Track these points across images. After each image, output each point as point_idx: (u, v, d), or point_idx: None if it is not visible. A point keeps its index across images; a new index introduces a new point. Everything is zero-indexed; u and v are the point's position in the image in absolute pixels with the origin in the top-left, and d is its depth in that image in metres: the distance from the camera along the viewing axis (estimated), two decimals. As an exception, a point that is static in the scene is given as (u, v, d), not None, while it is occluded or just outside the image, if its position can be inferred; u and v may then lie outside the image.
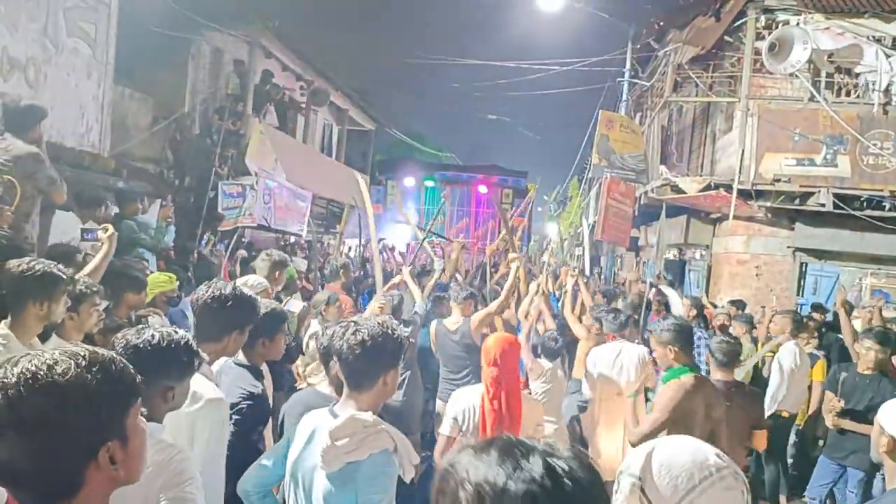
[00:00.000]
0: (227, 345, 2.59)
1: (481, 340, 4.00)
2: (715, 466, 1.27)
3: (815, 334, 6.54)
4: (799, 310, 8.17)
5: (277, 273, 4.68)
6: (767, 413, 5.45)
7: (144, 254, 5.95)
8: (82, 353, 1.11)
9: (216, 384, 2.48)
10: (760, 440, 3.90)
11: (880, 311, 6.21)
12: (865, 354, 4.61)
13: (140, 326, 2.06)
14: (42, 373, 1.05)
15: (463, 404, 3.33)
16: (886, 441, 2.31)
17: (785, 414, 5.60)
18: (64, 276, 2.83)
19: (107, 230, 3.68)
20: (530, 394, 4.27)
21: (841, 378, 4.69)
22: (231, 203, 9.56)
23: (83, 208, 5.33)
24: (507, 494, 0.87)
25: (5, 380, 1.05)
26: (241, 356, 2.86)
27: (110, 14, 7.49)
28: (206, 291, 2.55)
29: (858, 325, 5.99)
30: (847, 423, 4.45)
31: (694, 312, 6.74)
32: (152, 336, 1.97)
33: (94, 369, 1.09)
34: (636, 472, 1.29)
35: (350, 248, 13.55)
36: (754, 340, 6.74)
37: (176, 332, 2.03)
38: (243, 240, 10.24)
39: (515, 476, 0.88)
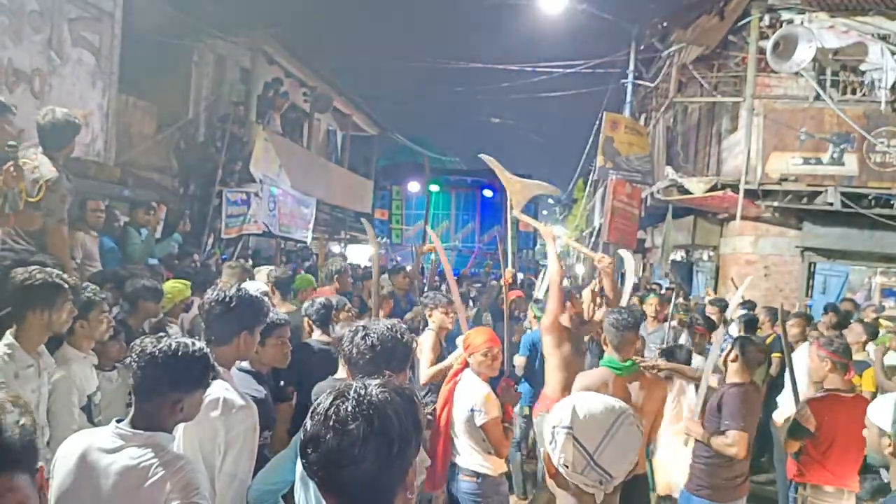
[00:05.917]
0: (239, 347, 2.56)
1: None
2: (621, 410, 1.53)
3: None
4: (808, 310, 8.11)
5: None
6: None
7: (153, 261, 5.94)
8: None
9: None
10: None
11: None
12: None
13: (158, 335, 2.04)
14: None
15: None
16: (889, 442, 2.25)
17: None
18: (65, 285, 2.80)
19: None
20: None
21: None
22: (235, 210, 9.57)
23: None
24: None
25: None
26: (243, 362, 2.85)
27: (114, 24, 7.52)
28: (211, 295, 2.55)
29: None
30: None
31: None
32: (169, 346, 1.95)
33: None
34: (567, 423, 1.51)
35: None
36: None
37: (193, 344, 2.01)
38: (248, 248, 10.25)
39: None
